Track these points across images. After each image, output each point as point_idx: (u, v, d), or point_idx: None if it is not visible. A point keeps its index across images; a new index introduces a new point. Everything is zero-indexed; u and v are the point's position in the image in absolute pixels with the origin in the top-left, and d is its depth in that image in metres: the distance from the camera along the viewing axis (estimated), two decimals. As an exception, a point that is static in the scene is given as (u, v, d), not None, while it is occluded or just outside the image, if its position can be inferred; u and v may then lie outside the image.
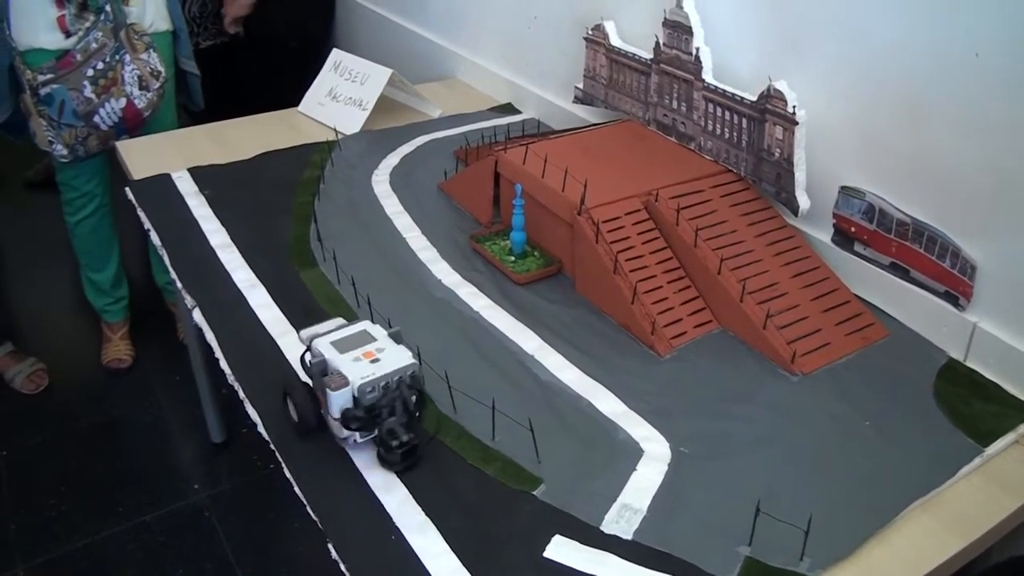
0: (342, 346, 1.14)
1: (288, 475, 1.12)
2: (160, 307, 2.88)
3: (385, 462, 1.12)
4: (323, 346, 1.14)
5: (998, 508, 1.11)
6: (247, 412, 1.24)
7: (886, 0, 1.32)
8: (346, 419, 1.09)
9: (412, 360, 1.13)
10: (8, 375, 2.62)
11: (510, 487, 1.10)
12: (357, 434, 1.11)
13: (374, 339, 1.16)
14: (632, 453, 1.16)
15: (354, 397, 1.09)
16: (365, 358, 1.12)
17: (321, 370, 1.12)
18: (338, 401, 1.09)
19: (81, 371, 2.71)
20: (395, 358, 1.13)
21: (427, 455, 1.14)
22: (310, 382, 1.16)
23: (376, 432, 1.11)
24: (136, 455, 2.39)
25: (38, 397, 2.60)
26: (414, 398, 1.12)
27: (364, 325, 1.19)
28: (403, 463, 1.12)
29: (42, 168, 3.72)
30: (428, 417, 1.19)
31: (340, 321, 1.20)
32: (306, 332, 1.17)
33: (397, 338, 1.17)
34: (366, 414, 1.09)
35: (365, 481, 1.10)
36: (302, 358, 1.16)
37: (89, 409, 2.54)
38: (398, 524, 1.04)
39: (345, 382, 1.09)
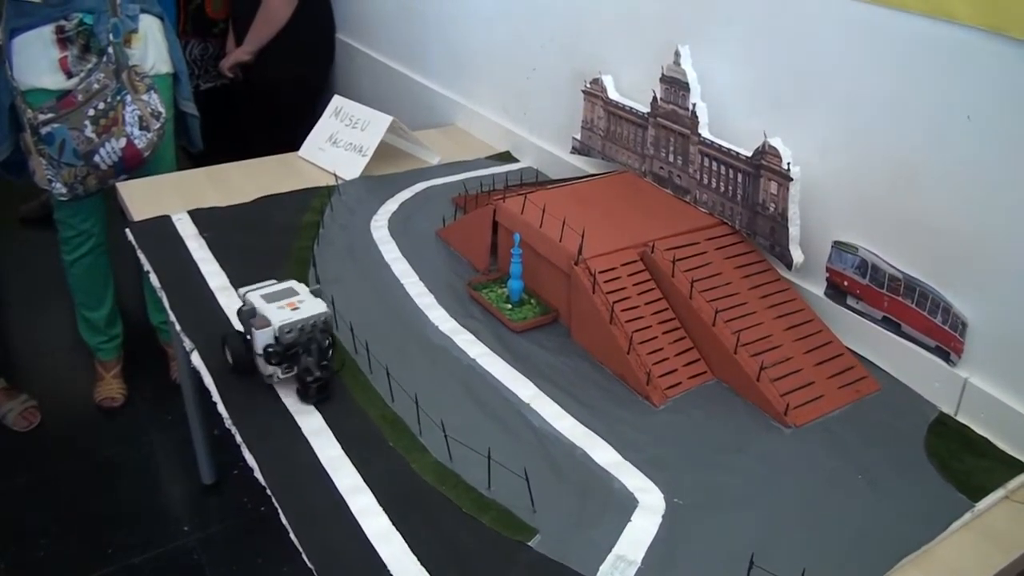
0: (270, 298, 1.33)
1: (285, 522, 1.12)
2: (154, 346, 2.87)
3: (302, 395, 1.31)
4: (254, 298, 1.33)
5: (988, 563, 1.12)
6: (237, 454, 1.25)
7: (880, 61, 1.35)
8: (268, 355, 1.27)
9: (326, 309, 1.32)
10: (0, 412, 2.61)
11: (505, 536, 1.11)
12: (279, 370, 1.29)
13: (297, 294, 1.35)
14: (627, 504, 1.16)
15: (276, 337, 1.28)
16: (288, 307, 1.31)
17: (250, 315, 1.31)
18: (262, 339, 1.28)
19: (73, 409, 2.70)
20: (312, 307, 1.32)
21: (423, 501, 1.15)
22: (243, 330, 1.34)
23: (295, 370, 1.29)
24: (127, 495, 2.38)
25: (30, 435, 2.59)
26: (327, 342, 1.31)
27: (291, 284, 1.37)
28: (318, 396, 1.30)
29: (37, 205, 3.74)
30: (425, 469, 1.20)
31: (273, 281, 1.39)
32: (243, 288, 1.37)
33: (317, 294, 1.36)
34: (285, 351, 1.28)
35: (362, 531, 1.10)
36: (239, 310, 1.35)
37: (81, 448, 2.53)
38: (395, 574, 1.04)
39: (268, 323, 1.28)
